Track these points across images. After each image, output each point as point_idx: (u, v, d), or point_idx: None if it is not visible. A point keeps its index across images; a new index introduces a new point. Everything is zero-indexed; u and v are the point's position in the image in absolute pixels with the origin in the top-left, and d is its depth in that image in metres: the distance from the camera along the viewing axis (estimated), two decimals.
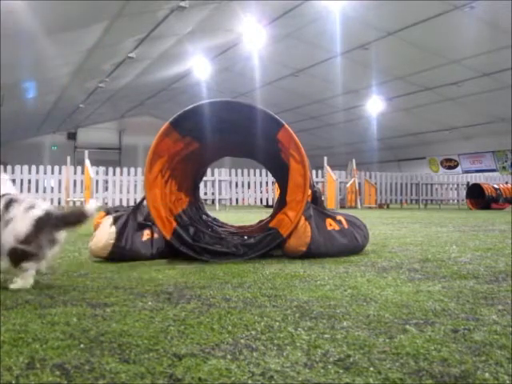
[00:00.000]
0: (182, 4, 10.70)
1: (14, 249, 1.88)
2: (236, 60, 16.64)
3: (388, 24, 12.96)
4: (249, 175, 14.36)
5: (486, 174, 19.13)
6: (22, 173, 12.11)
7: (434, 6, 11.62)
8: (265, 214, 4.65)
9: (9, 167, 12.09)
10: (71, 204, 11.87)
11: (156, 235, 2.89)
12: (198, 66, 16.89)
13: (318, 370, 1.03)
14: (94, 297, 1.75)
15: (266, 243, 2.86)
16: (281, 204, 3.47)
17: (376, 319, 1.43)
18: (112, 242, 2.75)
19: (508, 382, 0.97)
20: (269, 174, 12.89)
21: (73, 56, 13.02)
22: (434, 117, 20.36)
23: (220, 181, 13.91)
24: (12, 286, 1.88)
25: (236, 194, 14.28)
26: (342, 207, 14.08)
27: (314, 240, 2.80)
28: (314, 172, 13.77)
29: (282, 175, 3.24)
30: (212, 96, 17.06)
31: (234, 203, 14.30)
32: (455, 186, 17.21)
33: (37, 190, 12.25)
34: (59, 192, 12.39)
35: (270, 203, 13.78)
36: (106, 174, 12.66)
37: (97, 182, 12.21)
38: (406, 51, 14.33)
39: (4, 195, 2.07)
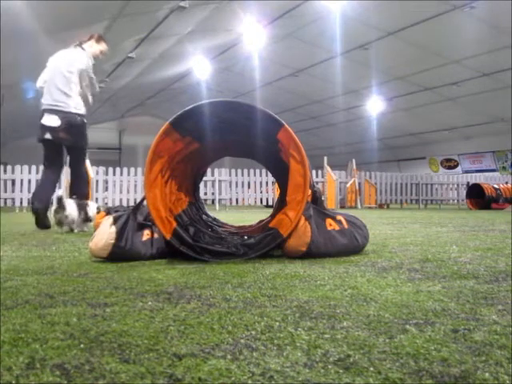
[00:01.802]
0: (182, 4, 10.72)
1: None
2: (236, 60, 16.65)
3: (388, 24, 12.97)
4: (249, 175, 14.37)
5: (486, 173, 19.15)
6: (21, 173, 12.11)
7: (434, 6, 11.63)
8: (265, 214, 4.65)
9: (9, 167, 12.09)
10: None
11: (156, 235, 2.89)
12: (197, 66, 16.90)
13: (318, 369, 1.03)
14: (93, 297, 1.75)
15: (265, 243, 2.86)
16: (281, 204, 3.47)
17: (376, 319, 1.43)
18: (112, 241, 2.74)
19: (508, 382, 0.97)
20: (269, 173, 12.89)
21: None
22: (434, 117, 20.37)
23: (220, 181, 13.91)
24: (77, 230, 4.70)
25: (236, 194, 14.29)
26: (342, 207, 14.09)
27: (314, 240, 2.80)
28: (314, 172, 13.77)
29: (282, 175, 3.24)
30: (212, 96, 17.06)
31: (234, 203, 14.31)
32: (455, 186, 17.21)
33: None
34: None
35: (270, 203, 13.78)
36: (106, 174, 12.65)
37: (97, 181, 12.21)
38: (406, 51, 14.34)
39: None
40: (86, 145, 4.95)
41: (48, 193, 5.01)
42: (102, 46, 4.93)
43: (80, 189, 5.03)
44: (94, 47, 4.89)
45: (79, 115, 4.78)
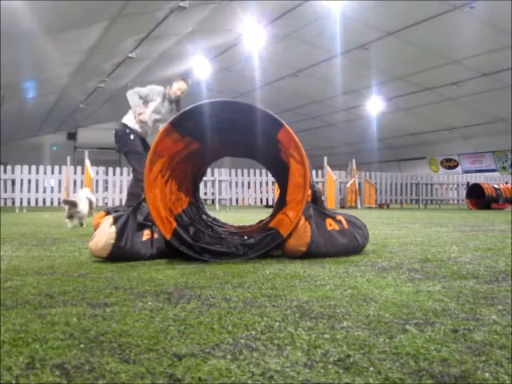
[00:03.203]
0: (182, 4, 10.70)
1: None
2: (236, 60, 16.64)
3: (388, 24, 12.96)
4: (249, 175, 14.37)
5: (486, 173, 19.14)
6: (21, 173, 12.11)
7: (434, 6, 11.62)
8: (265, 214, 4.65)
9: (9, 167, 12.09)
10: None
11: (156, 235, 2.89)
12: (197, 66, 16.89)
13: (318, 369, 1.03)
14: (93, 297, 1.75)
15: (266, 243, 2.86)
16: (281, 204, 3.47)
17: (376, 319, 1.43)
18: (112, 241, 2.74)
19: (508, 381, 0.97)
20: (269, 174, 12.89)
21: (73, 56, 13.02)
22: (434, 117, 20.36)
23: (220, 181, 13.91)
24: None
25: (236, 194, 14.29)
26: (342, 207, 14.09)
27: (314, 240, 2.80)
28: (313, 172, 13.77)
29: (282, 175, 3.24)
30: (212, 96, 17.05)
31: (234, 203, 14.30)
32: (455, 185, 17.22)
33: (37, 190, 12.25)
34: (59, 192, 12.39)
35: (270, 203, 13.78)
36: (106, 174, 12.65)
37: (97, 181, 12.22)
38: (406, 51, 14.33)
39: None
40: (128, 151, 5.52)
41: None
42: (180, 85, 5.48)
43: (129, 190, 5.77)
44: (173, 86, 5.49)
45: (124, 125, 5.42)
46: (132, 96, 5.34)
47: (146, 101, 5.41)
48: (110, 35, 11.69)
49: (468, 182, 16.06)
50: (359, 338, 1.25)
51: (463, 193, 16.04)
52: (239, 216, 8.65)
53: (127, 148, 5.53)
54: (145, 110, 5.31)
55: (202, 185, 11.62)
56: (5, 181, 12.02)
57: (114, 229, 2.79)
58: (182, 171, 3.37)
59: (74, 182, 12.39)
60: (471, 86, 16.36)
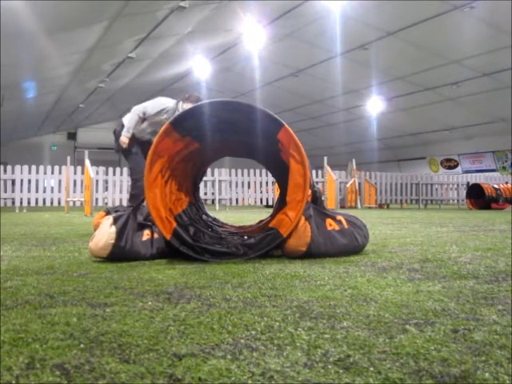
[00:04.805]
0: (182, 4, 10.69)
1: None
2: (236, 60, 16.64)
3: (388, 24, 12.95)
4: (249, 175, 14.37)
5: (486, 173, 19.15)
6: (22, 173, 12.11)
7: (434, 6, 11.62)
8: (265, 214, 4.65)
9: (9, 167, 12.09)
10: (71, 204, 11.86)
11: (156, 235, 2.89)
12: (197, 66, 16.89)
13: (317, 369, 1.03)
14: (94, 297, 1.75)
15: (266, 243, 2.86)
16: (281, 204, 3.47)
17: (376, 319, 1.43)
18: (112, 241, 2.74)
19: (508, 382, 0.97)
20: (269, 173, 12.89)
21: (73, 56, 13.01)
22: (434, 117, 20.35)
23: (220, 181, 13.91)
24: None
25: (236, 194, 14.29)
26: (342, 207, 14.08)
27: (314, 240, 2.80)
28: (313, 172, 13.77)
29: (282, 175, 3.24)
30: (212, 96, 17.03)
31: (234, 203, 14.30)
32: (455, 186, 17.22)
33: (37, 190, 12.25)
34: (59, 192, 12.39)
35: (270, 203, 13.78)
36: (106, 174, 12.65)
37: (97, 181, 12.21)
38: (406, 51, 14.33)
39: None
40: (125, 151, 5.61)
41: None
42: (186, 105, 5.55)
43: (130, 191, 5.95)
44: (187, 105, 5.57)
45: (123, 126, 5.55)
46: (133, 115, 5.43)
47: (149, 117, 5.47)
48: (109, 35, 11.68)
49: (468, 182, 16.06)
50: (359, 337, 1.25)
51: (463, 193, 16.04)
52: (239, 216, 8.65)
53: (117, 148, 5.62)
54: (128, 137, 5.37)
55: (202, 185, 11.62)
56: (5, 181, 12.02)
57: (113, 229, 2.79)
58: (182, 171, 3.37)
59: (74, 181, 12.38)
60: (471, 86, 16.35)
